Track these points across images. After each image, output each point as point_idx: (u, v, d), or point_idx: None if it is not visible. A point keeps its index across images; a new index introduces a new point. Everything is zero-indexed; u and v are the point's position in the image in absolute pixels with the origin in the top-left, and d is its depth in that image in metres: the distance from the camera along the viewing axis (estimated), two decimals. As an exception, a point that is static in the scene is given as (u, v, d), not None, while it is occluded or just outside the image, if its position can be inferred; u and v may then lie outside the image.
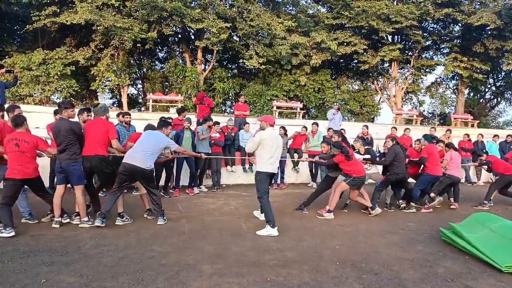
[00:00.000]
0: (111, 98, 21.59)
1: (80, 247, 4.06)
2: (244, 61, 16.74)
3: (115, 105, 20.86)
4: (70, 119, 4.95)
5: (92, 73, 15.69)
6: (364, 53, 19.03)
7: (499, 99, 25.33)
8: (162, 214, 5.24)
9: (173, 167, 7.53)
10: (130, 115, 7.54)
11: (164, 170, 7.36)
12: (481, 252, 4.07)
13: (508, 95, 24.96)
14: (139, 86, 22.10)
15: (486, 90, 24.62)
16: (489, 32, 18.13)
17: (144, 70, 20.87)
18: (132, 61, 18.36)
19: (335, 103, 14.26)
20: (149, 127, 5.67)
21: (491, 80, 23.40)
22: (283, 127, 9.28)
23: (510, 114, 44.98)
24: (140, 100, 21.72)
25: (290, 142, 9.58)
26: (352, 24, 18.10)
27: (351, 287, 3.29)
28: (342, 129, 10.10)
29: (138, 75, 20.70)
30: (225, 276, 3.42)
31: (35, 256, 3.72)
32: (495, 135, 11.76)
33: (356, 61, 20.25)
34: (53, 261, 3.62)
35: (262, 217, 5.48)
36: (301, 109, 15.99)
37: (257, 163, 5.24)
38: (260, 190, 5.10)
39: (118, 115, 7.80)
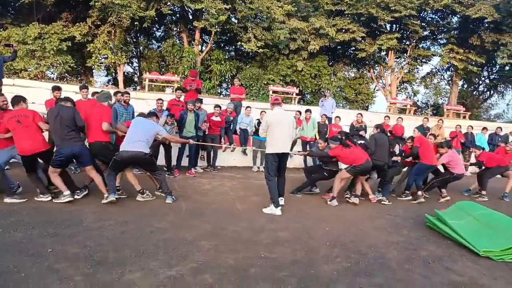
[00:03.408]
0: (106, 75, 21.48)
1: (82, 220, 4.22)
2: (242, 43, 16.72)
3: (110, 83, 20.76)
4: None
5: (88, 49, 15.59)
6: (362, 41, 19.09)
7: (492, 92, 25.68)
8: (170, 193, 5.44)
9: (171, 148, 7.65)
10: (129, 94, 7.58)
11: (164, 151, 7.56)
12: (462, 238, 4.33)
13: (501, 88, 25.32)
14: (135, 64, 21.99)
15: (480, 82, 24.92)
16: (486, 25, 18.25)
17: (141, 48, 20.75)
18: (129, 39, 18.22)
19: (327, 90, 14.42)
20: (140, 115, 5.77)
21: (485, 73, 23.66)
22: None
23: (501, 107, 45.72)
24: (136, 79, 21.64)
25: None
26: (352, 11, 18.09)
27: (339, 265, 3.52)
28: (337, 116, 10.29)
29: (135, 53, 20.57)
30: (221, 252, 3.63)
31: (40, 228, 3.88)
32: (484, 128, 12.01)
33: (353, 48, 20.31)
34: (57, 233, 3.78)
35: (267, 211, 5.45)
36: (296, 94, 16.11)
37: (266, 145, 5.45)
38: (268, 172, 5.32)
39: (116, 94, 7.83)
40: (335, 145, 6.21)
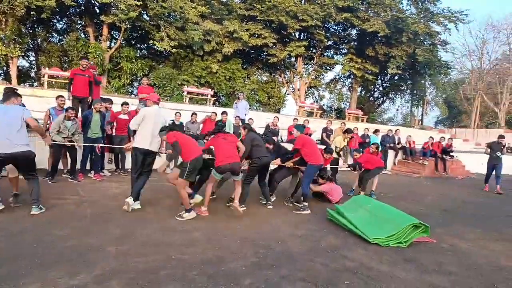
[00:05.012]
0: (-5, 69, 18.96)
1: (-35, 233, 3.74)
2: (155, 42, 16.28)
3: (1, 78, 18.38)
4: None
5: (-28, 39, 13.61)
6: (273, 47, 20.01)
7: (384, 98, 29.04)
8: (38, 202, 4.72)
9: (77, 150, 7.10)
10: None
11: (68, 153, 7.01)
12: (356, 228, 4.87)
13: (392, 95, 28.81)
14: (32, 58, 19.81)
15: (375, 89, 27.99)
16: (380, 39, 20.58)
17: (39, 41, 18.75)
18: (24, 30, 16.36)
19: (241, 92, 14.89)
20: None
21: (379, 81, 26.67)
22: (194, 113, 9.47)
23: (392, 111, 52.35)
24: (33, 74, 19.51)
25: (201, 127, 9.75)
26: (263, 17, 18.87)
27: (248, 261, 3.70)
28: (250, 118, 10.63)
29: (31, 46, 18.53)
30: (131, 256, 3.54)
31: None
32: (376, 130, 13.57)
33: (265, 53, 21.18)
34: None
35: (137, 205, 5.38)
36: (211, 96, 16.21)
37: (134, 140, 5.30)
38: (133, 169, 5.31)
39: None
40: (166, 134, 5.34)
